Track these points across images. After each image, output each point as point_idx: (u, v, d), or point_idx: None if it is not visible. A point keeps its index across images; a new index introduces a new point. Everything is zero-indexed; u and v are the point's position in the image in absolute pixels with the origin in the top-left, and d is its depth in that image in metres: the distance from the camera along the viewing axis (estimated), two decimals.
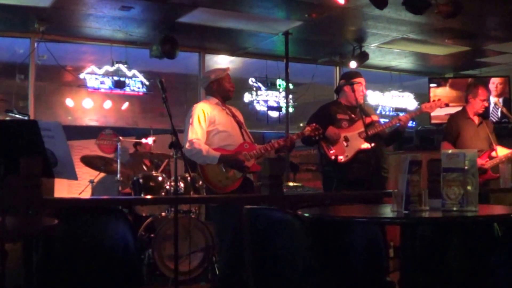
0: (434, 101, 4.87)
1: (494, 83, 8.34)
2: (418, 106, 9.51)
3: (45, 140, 2.69)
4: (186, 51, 7.93)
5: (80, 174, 6.26)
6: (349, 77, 4.71)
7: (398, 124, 4.69)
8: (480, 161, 4.96)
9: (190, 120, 4.07)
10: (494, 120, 7.69)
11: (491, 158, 5.17)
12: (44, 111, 7.76)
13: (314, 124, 4.37)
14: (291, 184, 6.06)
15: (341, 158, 4.50)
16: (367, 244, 2.89)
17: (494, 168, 5.17)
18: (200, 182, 5.52)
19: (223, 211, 3.94)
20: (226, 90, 4.27)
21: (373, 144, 4.47)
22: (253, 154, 4.05)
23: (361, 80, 4.65)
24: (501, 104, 5.87)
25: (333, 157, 4.51)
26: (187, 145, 4.00)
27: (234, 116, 4.21)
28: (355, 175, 4.48)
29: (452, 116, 5.37)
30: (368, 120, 4.56)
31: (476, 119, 5.35)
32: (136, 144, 6.70)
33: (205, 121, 4.06)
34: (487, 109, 5.72)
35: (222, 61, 8.62)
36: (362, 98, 4.66)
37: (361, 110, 4.62)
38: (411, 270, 2.69)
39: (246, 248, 2.64)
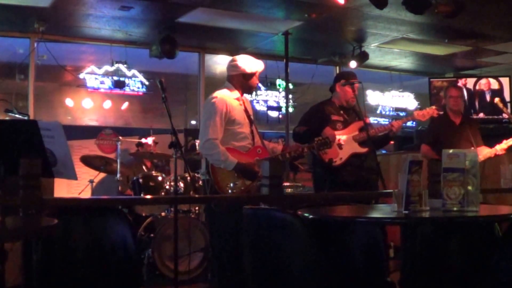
0: (427, 109, 4.86)
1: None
2: (418, 107, 9.53)
3: (45, 140, 2.69)
4: (186, 51, 7.93)
5: (80, 174, 6.26)
6: (347, 77, 4.67)
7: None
8: None
9: (213, 114, 3.85)
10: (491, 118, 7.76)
11: None
12: (44, 111, 7.77)
13: (321, 138, 4.20)
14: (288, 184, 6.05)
15: (335, 161, 4.46)
16: (367, 244, 2.89)
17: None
18: (200, 182, 5.53)
19: (221, 213, 3.92)
20: (253, 87, 4.10)
21: (366, 149, 4.46)
22: None
23: (357, 82, 4.61)
24: (502, 104, 5.87)
25: (327, 160, 4.46)
26: (205, 143, 3.85)
27: (247, 112, 4.06)
28: (347, 178, 4.44)
29: (432, 119, 5.39)
30: (361, 123, 4.53)
31: (457, 120, 5.37)
32: (138, 145, 6.70)
33: (225, 119, 3.88)
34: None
35: (222, 61, 8.63)
36: (355, 100, 4.60)
37: (354, 112, 4.60)
38: (411, 270, 2.69)
39: (246, 248, 2.63)
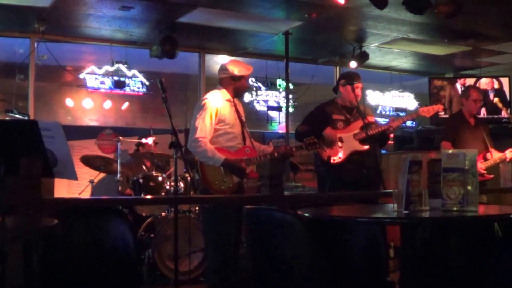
0: (432, 105, 4.86)
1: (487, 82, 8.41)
2: (418, 107, 9.52)
3: (45, 140, 2.69)
4: (186, 51, 7.93)
5: (80, 174, 6.26)
6: (348, 77, 4.69)
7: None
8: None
9: (202, 114, 3.97)
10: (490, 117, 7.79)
11: (486, 159, 5.24)
12: (44, 111, 7.76)
13: (313, 138, 4.22)
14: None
15: (334, 159, 4.50)
16: (367, 244, 2.89)
17: (489, 169, 5.22)
18: None
19: (213, 212, 3.95)
20: (243, 89, 4.24)
21: (367, 147, 4.47)
22: (253, 161, 4.02)
23: (359, 83, 4.62)
24: (501, 104, 5.89)
25: (326, 158, 4.51)
26: (192, 142, 3.94)
27: (239, 114, 4.16)
28: (348, 176, 4.48)
29: (450, 117, 5.47)
30: (365, 121, 4.54)
31: (472, 120, 5.44)
32: (138, 145, 6.70)
33: (215, 119, 3.99)
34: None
35: (222, 61, 8.60)
36: (358, 100, 4.60)
37: (358, 112, 4.60)
38: (411, 270, 2.69)
39: (247, 248, 2.63)
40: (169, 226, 5.03)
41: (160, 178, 5.61)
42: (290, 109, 8.48)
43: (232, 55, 8.42)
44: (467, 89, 5.68)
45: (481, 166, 5.21)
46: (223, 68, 4.21)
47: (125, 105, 8.68)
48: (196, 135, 3.94)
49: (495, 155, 5.25)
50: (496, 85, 8.34)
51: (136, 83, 7.82)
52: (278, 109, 8.83)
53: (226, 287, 3.88)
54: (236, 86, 4.15)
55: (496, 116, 7.78)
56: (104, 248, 2.69)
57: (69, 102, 8.28)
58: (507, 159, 5.23)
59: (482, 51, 8.44)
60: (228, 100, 4.13)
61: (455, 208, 2.41)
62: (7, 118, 5.82)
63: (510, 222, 2.44)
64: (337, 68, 9.28)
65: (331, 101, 4.79)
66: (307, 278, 2.30)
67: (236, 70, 4.14)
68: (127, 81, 7.74)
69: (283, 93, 8.61)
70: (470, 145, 5.08)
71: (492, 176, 5.18)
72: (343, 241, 2.86)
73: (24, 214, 2.64)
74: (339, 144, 4.51)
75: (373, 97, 9.58)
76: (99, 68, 7.62)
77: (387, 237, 2.91)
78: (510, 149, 5.22)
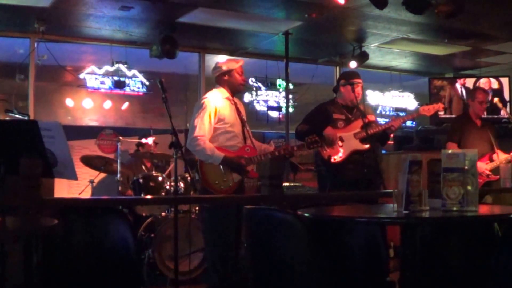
0: (433, 104, 4.86)
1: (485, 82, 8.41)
2: (418, 106, 9.52)
3: (45, 140, 2.69)
4: (186, 51, 7.93)
5: (80, 174, 6.26)
6: (347, 77, 4.69)
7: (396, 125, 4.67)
8: (481, 166, 5.06)
9: (201, 113, 4.00)
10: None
11: (491, 160, 5.26)
12: (44, 111, 7.76)
13: (315, 137, 4.23)
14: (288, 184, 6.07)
15: (334, 158, 4.50)
16: (367, 244, 2.89)
17: (494, 170, 5.23)
18: None
19: (213, 212, 3.95)
20: (237, 83, 4.23)
21: (368, 146, 4.47)
22: (253, 160, 4.03)
23: (359, 81, 4.62)
24: (501, 103, 5.89)
25: (326, 157, 4.51)
26: (192, 141, 3.96)
27: (239, 113, 4.18)
28: (348, 176, 4.48)
29: (456, 118, 5.48)
30: (365, 120, 4.55)
31: (478, 121, 5.45)
32: (138, 145, 6.70)
33: (215, 118, 4.01)
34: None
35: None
36: (359, 99, 4.61)
37: (358, 111, 4.60)
38: (411, 270, 2.69)
39: (247, 248, 2.64)
40: (169, 226, 5.02)
41: (160, 178, 5.62)
42: (290, 109, 8.48)
43: (232, 55, 8.42)
44: (473, 90, 5.76)
45: (486, 167, 5.23)
46: (214, 67, 4.28)
47: (125, 105, 8.69)
48: (195, 133, 3.95)
49: (501, 156, 5.27)
50: (495, 85, 8.34)
51: (136, 83, 7.82)
52: (278, 109, 8.82)
53: (226, 287, 3.88)
54: (229, 81, 4.19)
55: (496, 116, 7.78)
56: (104, 248, 2.69)
57: (69, 102, 8.28)
58: None
59: (482, 51, 8.44)
60: (228, 98, 4.15)
61: (455, 208, 2.41)
62: (7, 118, 5.82)
63: (510, 222, 2.44)
64: (337, 68, 9.28)
65: (332, 100, 4.80)
66: (307, 278, 2.30)
67: (224, 66, 4.21)
68: (127, 81, 7.73)
69: (283, 93, 8.61)
70: (476, 146, 5.07)
71: (497, 177, 5.19)
72: (343, 241, 2.86)
73: (24, 214, 2.63)
74: (340, 143, 4.51)
75: (373, 97, 9.58)
76: (99, 68, 7.62)
77: (387, 237, 2.91)
78: None
